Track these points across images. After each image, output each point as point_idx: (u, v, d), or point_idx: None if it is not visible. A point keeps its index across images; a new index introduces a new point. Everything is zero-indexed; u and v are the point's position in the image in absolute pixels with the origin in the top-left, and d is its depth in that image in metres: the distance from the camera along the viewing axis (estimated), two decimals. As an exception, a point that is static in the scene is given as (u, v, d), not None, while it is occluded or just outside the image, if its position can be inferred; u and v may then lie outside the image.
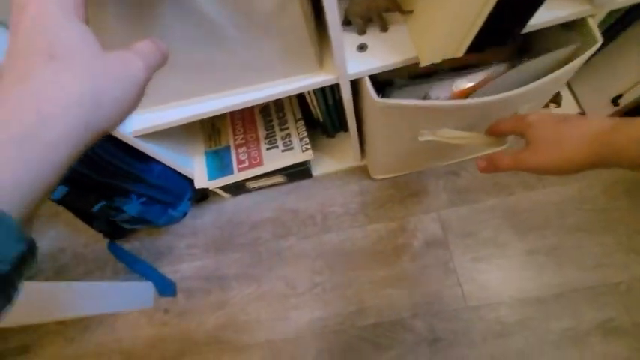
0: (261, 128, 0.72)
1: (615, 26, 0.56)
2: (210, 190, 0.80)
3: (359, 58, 0.47)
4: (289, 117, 0.72)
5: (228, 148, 0.72)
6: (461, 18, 0.37)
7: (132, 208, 0.58)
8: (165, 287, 0.80)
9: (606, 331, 0.63)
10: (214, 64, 0.43)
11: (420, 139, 0.50)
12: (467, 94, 0.50)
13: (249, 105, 0.48)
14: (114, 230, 0.77)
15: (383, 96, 0.50)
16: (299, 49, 0.42)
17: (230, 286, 0.79)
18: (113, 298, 0.76)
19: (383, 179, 0.81)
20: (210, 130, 0.74)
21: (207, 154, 0.72)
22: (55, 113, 0.17)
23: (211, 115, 0.49)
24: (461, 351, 0.66)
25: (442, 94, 0.50)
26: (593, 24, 0.44)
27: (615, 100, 0.66)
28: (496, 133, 0.43)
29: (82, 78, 0.18)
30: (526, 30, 0.43)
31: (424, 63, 0.44)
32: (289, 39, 0.40)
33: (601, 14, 0.44)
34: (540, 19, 0.43)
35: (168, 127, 0.50)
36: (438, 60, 0.44)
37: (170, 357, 0.75)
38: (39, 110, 0.17)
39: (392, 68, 0.47)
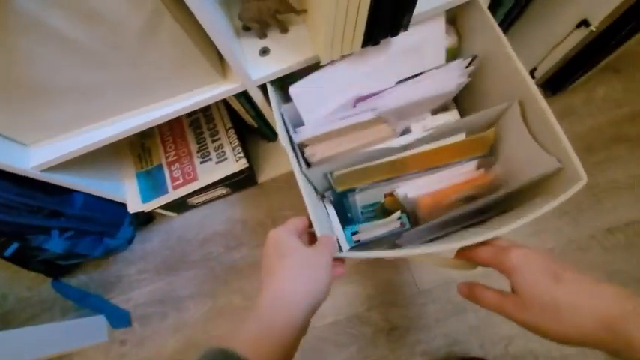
0: (193, 142, 0.70)
1: (517, 5, 0.58)
2: (154, 212, 0.77)
3: (262, 62, 0.46)
4: (220, 127, 0.70)
5: (160, 166, 0.69)
6: (343, 13, 0.37)
7: (55, 244, 0.55)
8: (119, 318, 0.77)
9: (548, 295, 0.65)
10: (103, 86, 0.40)
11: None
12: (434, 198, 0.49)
13: (156, 124, 0.46)
14: (53, 269, 0.73)
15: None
16: (190, 61, 0.41)
17: (186, 306, 0.77)
18: (63, 337, 0.72)
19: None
20: (139, 150, 0.71)
21: (138, 175, 0.69)
22: (290, 291, 0.30)
23: (116, 139, 0.47)
24: (417, 334, 0.67)
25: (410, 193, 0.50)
26: (483, 2, 0.45)
27: (531, 74, 0.69)
28: (469, 259, 0.37)
29: (302, 263, 0.32)
30: (419, 18, 0.44)
31: (324, 61, 0.44)
32: (175, 53, 0.39)
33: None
34: (429, 5, 0.43)
35: (74, 156, 0.48)
36: (336, 57, 0.43)
37: (131, 389, 0.73)
38: (282, 292, 0.30)
39: (295, 69, 0.46)
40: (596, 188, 0.69)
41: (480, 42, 0.48)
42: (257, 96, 0.49)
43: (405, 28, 0.42)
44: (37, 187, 0.50)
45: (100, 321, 0.77)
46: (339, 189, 0.52)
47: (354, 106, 0.49)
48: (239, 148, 0.67)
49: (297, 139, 0.47)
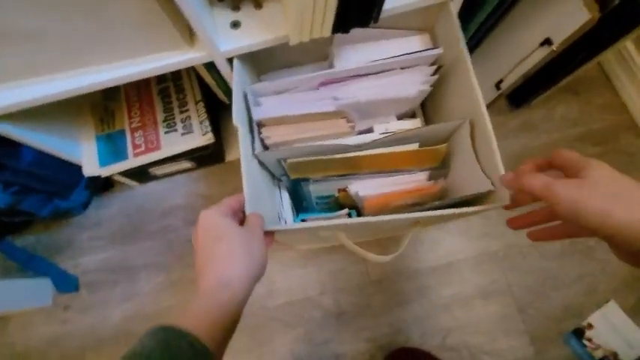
0: (160, 111, 0.68)
1: (492, 16, 0.60)
2: (115, 179, 0.75)
3: (232, 35, 0.46)
4: (190, 99, 0.69)
5: (122, 131, 0.67)
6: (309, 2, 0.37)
7: (-3, 198, 0.52)
8: (66, 282, 0.75)
9: (487, 294, 0.70)
10: (57, 34, 0.38)
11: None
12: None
13: (114, 84, 0.45)
14: (-3, 225, 0.69)
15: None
16: (155, 22, 0.40)
17: (138, 276, 0.76)
18: (2, 297, 0.69)
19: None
20: (102, 113, 0.68)
21: (98, 138, 0.66)
22: (231, 274, 0.31)
23: (69, 95, 0.45)
24: (363, 321, 0.70)
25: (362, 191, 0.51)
26: (453, 8, 0.47)
27: (497, 85, 0.72)
28: (540, 166, 0.33)
29: (239, 245, 0.32)
30: (390, 12, 0.45)
31: (293, 42, 0.44)
32: (137, 11, 0.37)
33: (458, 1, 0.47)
34: (397, 2, 0.44)
35: (22, 107, 0.45)
36: (305, 39, 0.44)
37: (71, 356, 0.71)
38: (223, 275, 0.31)
39: (264, 47, 0.46)
40: (543, 199, 0.74)
41: (447, 52, 0.49)
42: (224, 69, 0.49)
43: (375, 20, 0.43)
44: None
45: (44, 284, 0.74)
46: (293, 176, 0.53)
47: (317, 89, 0.49)
48: (207, 122, 0.66)
49: (256, 115, 0.47)
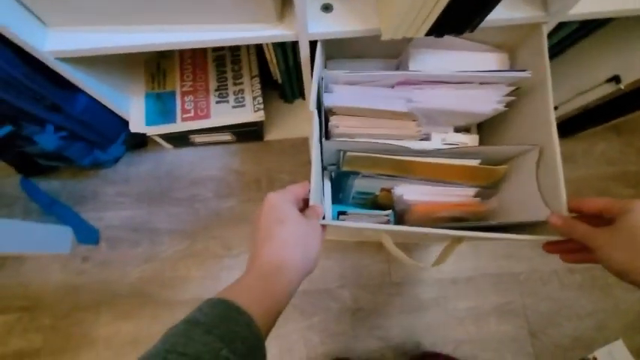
0: (213, 79, 0.67)
1: (559, 44, 0.60)
2: (150, 138, 0.74)
3: (322, 18, 0.45)
4: (245, 72, 0.67)
5: (173, 93, 0.66)
6: (421, 1, 0.36)
7: (47, 140, 0.51)
8: (87, 234, 0.74)
9: (502, 313, 0.72)
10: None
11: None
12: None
13: (193, 46, 0.44)
14: (28, 165, 0.68)
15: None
16: (256, -8, 0.38)
17: (161, 240, 0.75)
18: (20, 237, 0.68)
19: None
20: (154, 70, 0.67)
21: (148, 95, 0.65)
22: (289, 260, 0.30)
23: (145, 49, 0.44)
24: (378, 320, 0.71)
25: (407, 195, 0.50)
26: (545, 31, 0.46)
27: (550, 112, 0.72)
28: (581, 208, 0.38)
29: (299, 233, 0.32)
30: (484, 24, 0.44)
31: (385, 37, 0.43)
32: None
33: (552, 23, 0.47)
34: (498, 15, 0.44)
35: (93, 53, 0.44)
36: (398, 37, 0.43)
37: (85, 306, 0.71)
38: (282, 259, 0.30)
39: (353, 35, 0.45)
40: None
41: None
42: (304, 51, 0.48)
43: (472, 30, 0.43)
44: (45, 75, 0.46)
45: (65, 232, 0.74)
46: (345, 168, 0.53)
47: (393, 87, 0.49)
48: (260, 99, 0.65)
49: (328, 102, 0.47)
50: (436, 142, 0.53)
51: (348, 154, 0.49)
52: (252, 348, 0.24)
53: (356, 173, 0.55)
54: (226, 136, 0.75)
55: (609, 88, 0.61)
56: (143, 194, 0.78)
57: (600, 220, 0.35)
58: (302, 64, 0.51)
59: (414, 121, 0.50)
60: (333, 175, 0.59)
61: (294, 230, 0.32)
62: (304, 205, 0.39)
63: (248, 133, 0.74)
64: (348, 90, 0.49)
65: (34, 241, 0.70)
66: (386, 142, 0.48)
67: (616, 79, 0.60)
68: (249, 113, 0.65)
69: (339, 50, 0.56)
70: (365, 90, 0.49)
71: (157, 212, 0.77)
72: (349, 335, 0.70)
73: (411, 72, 0.47)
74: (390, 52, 0.57)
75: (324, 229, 0.39)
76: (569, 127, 0.74)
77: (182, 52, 0.68)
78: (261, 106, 0.65)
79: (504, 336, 0.70)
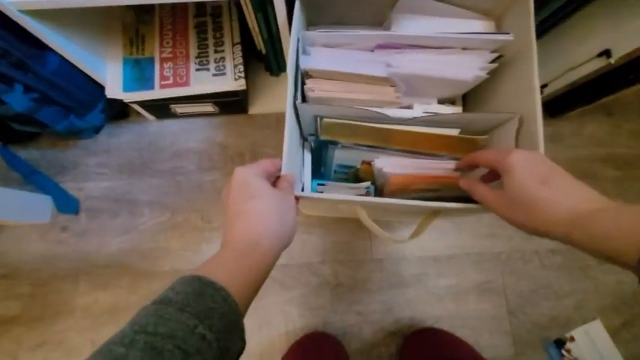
0: (194, 46, 0.65)
1: (549, 19, 0.58)
2: (132, 108, 0.72)
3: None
4: (227, 39, 0.65)
5: (151, 59, 0.64)
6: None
7: (16, 100, 0.49)
8: (66, 203, 0.73)
9: (482, 291, 0.71)
10: None
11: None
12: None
13: (164, 1, 0.42)
14: (4, 133, 0.66)
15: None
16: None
17: (141, 212, 0.74)
18: (0, 204, 0.67)
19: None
20: (132, 35, 0.64)
21: (125, 60, 0.63)
22: (264, 235, 0.29)
23: (113, 3, 0.42)
24: (358, 295, 0.71)
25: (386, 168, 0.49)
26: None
27: (541, 89, 0.70)
28: (471, 163, 0.40)
29: (272, 207, 0.31)
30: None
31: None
32: None
33: None
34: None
35: (59, 6, 0.42)
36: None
37: (63, 275, 0.71)
38: (257, 234, 0.29)
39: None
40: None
41: (512, 43, 0.47)
42: (280, 7, 0.46)
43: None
44: (11, 30, 0.44)
45: (44, 200, 0.73)
46: (323, 137, 0.52)
47: (372, 51, 0.47)
48: (241, 67, 0.63)
49: (304, 64, 0.45)
50: (418, 111, 0.52)
51: (325, 120, 0.48)
52: (230, 323, 0.24)
53: (335, 143, 0.54)
54: (209, 107, 0.73)
55: (599, 63, 0.59)
56: (124, 165, 0.76)
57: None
58: (279, 24, 0.49)
59: (392, 86, 0.48)
60: (313, 145, 0.58)
61: (266, 204, 0.31)
62: (277, 181, 0.37)
63: (231, 104, 0.72)
64: (325, 52, 0.47)
65: (14, 208, 0.69)
66: (362, 107, 0.46)
67: (607, 53, 0.58)
68: (229, 82, 0.63)
69: (319, 15, 0.54)
70: (343, 53, 0.47)
71: (138, 184, 0.76)
72: (328, 309, 0.70)
73: (390, 33, 0.45)
74: (374, 20, 0.55)
75: (297, 201, 0.37)
76: (558, 106, 0.73)
77: (162, 18, 0.66)
78: (242, 75, 0.63)
79: (483, 314, 0.70)
